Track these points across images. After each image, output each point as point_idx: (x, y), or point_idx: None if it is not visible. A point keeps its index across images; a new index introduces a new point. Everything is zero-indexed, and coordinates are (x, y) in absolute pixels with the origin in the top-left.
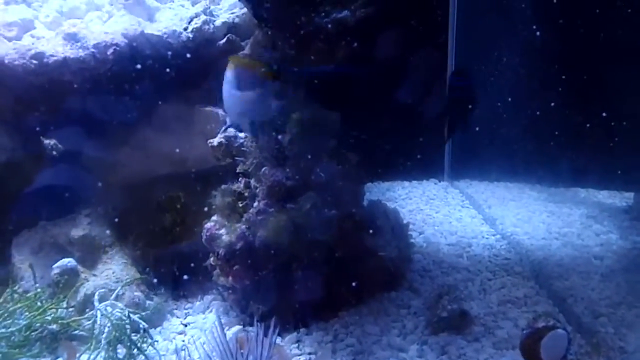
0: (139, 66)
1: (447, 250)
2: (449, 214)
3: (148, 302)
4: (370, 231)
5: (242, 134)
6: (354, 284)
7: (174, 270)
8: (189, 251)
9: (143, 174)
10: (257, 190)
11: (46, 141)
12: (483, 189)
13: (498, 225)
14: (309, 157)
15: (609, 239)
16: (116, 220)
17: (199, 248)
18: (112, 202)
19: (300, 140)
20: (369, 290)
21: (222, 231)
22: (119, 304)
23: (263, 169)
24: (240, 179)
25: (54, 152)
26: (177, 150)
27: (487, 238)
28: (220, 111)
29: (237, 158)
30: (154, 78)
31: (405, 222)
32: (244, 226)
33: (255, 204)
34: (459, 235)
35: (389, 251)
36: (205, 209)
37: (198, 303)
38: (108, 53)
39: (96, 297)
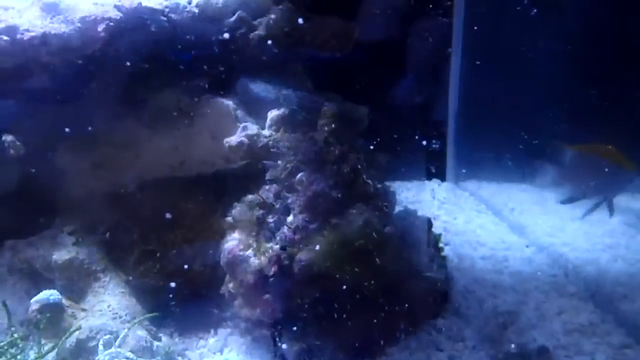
0: (133, 47)
1: (483, 265)
2: (469, 220)
3: (156, 343)
4: (412, 247)
5: (266, 132)
6: (401, 313)
7: (182, 300)
8: (200, 275)
9: (132, 179)
10: (292, 202)
11: (5, 138)
12: (496, 191)
13: (529, 234)
14: (348, 159)
15: None
16: (107, 237)
17: (211, 270)
18: (100, 214)
19: (335, 139)
20: (415, 319)
21: (249, 253)
22: (125, 352)
23: (299, 175)
24: (267, 187)
25: (12, 151)
26: (176, 149)
27: (521, 250)
28: (231, 103)
29: (265, 162)
30: (151, 61)
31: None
32: (277, 246)
33: (290, 218)
34: (489, 246)
35: (435, 271)
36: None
37: (212, 340)
38: (98, 29)
39: (100, 346)
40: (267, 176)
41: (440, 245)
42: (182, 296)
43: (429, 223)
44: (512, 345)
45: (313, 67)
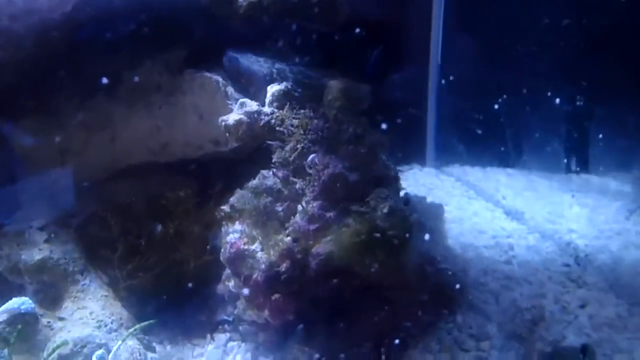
0: (108, 11)
1: (489, 255)
2: (462, 207)
3: (149, 355)
4: (427, 236)
5: (267, 109)
6: (420, 311)
7: (173, 302)
8: (193, 274)
9: (107, 166)
10: (304, 187)
11: None
12: (482, 176)
13: (528, 220)
14: (364, 138)
15: None
16: (84, 231)
17: (204, 269)
18: (73, 206)
19: (345, 116)
20: (433, 315)
21: (255, 246)
22: None
23: (311, 156)
24: (271, 171)
25: None
26: (158, 130)
27: (525, 237)
28: (220, 78)
29: (271, 142)
30: (127, 29)
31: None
32: (288, 239)
33: (303, 206)
34: (490, 234)
35: (451, 262)
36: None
37: (210, 347)
38: None
39: None
40: (275, 158)
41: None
42: (173, 298)
43: (437, 208)
44: (548, 346)
45: (301, 41)
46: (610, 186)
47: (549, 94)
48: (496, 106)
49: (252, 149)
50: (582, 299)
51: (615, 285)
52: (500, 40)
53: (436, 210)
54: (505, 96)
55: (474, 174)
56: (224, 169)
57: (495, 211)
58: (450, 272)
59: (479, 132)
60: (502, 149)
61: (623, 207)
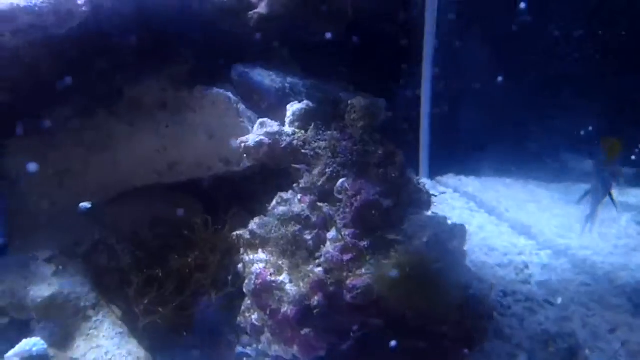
0: (115, 25)
1: (503, 274)
2: (465, 220)
3: None
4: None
5: (288, 129)
6: (460, 342)
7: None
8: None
9: (109, 188)
10: (333, 214)
11: None
12: (481, 187)
13: (538, 235)
14: (395, 160)
15: None
16: (92, 263)
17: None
18: (74, 233)
19: (370, 136)
20: (471, 346)
21: (283, 278)
22: None
23: (341, 181)
24: (299, 197)
25: None
26: (164, 151)
27: (537, 254)
28: (231, 94)
29: (297, 166)
30: (135, 43)
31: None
32: (319, 269)
33: (332, 234)
34: (502, 251)
35: (474, 286)
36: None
37: None
38: (78, 2)
39: None
40: (302, 183)
41: None
42: (193, 333)
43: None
44: None
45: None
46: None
47: (546, 102)
48: (492, 115)
49: (269, 172)
50: (611, 323)
51: None
52: (494, 49)
53: (459, 231)
54: (501, 105)
55: (471, 184)
56: (235, 190)
57: (501, 225)
58: (477, 298)
59: (475, 141)
60: (499, 158)
61: (632, 219)
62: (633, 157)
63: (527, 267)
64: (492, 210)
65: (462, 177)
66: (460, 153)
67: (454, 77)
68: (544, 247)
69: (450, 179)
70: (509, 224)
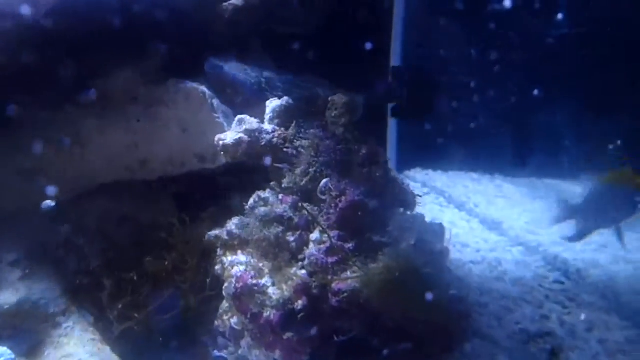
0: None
1: (479, 272)
2: (436, 216)
3: None
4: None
5: (268, 126)
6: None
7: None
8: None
9: (76, 185)
10: (316, 215)
11: None
12: (449, 182)
13: (508, 231)
14: (378, 160)
15: None
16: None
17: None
18: (41, 235)
19: (351, 134)
20: (442, 348)
21: (265, 281)
22: None
23: (324, 181)
24: (280, 197)
25: None
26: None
27: (509, 251)
28: (205, 88)
29: (277, 165)
30: (103, 34)
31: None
32: (303, 272)
33: (316, 235)
34: (474, 248)
35: (455, 285)
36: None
37: None
38: None
39: None
40: (285, 183)
41: None
42: (169, 338)
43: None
44: None
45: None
46: (578, 193)
47: (513, 97)
48: (460, 109)
49: (245, 169)
50: (587, 321)
51: (615, 305)
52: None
53: (439, 230)
54: (470, 98)
55: (439, 179)
56: (209, 188)
57: (472, 221)
58: (458, 297)
59: (442, 135)
60: (466, 153)
61: None
62: None
63: (500, 264)
64: (462, 205)
65: (430, 172)
66: (428, 148)
67: (421, 69)
68: (515, 244)
69: (417, 173)
70: (479, 219)
